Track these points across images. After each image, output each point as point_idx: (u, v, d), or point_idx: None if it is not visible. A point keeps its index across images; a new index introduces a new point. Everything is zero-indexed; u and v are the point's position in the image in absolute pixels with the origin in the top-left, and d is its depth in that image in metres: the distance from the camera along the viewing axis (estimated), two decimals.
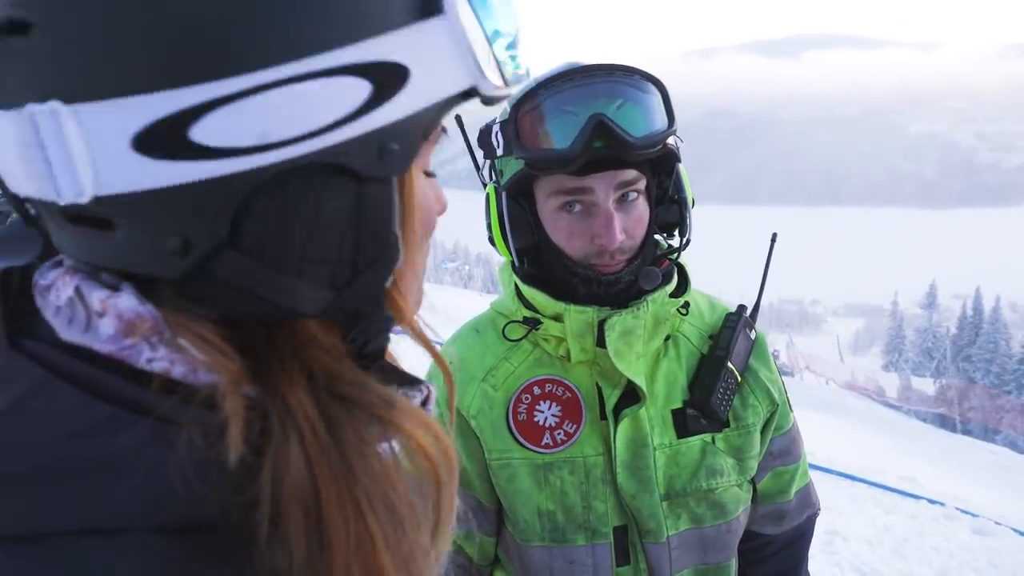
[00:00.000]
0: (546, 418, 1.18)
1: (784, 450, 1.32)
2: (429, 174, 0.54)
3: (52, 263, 0.49)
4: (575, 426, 1.18)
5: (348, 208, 0.45)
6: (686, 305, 1.23)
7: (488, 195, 1.20)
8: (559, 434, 1.18)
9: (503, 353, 1.23)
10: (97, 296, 0.45)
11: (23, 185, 0.43)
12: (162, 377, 0.44)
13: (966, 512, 8.55)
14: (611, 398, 1.18)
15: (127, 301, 0.44)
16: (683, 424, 1.20)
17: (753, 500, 1.31)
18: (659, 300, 1.16)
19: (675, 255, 1.22)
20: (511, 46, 0.50)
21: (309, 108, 0.41)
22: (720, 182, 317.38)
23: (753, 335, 1.26)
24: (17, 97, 0.41)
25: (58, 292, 0.46)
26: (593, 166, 1.06)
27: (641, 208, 1.12)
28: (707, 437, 1.21)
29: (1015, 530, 8.60)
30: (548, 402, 1.19)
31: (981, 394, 38.76)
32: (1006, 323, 53.79)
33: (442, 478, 0.50)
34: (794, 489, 1.34)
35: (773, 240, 1.38)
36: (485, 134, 1.16)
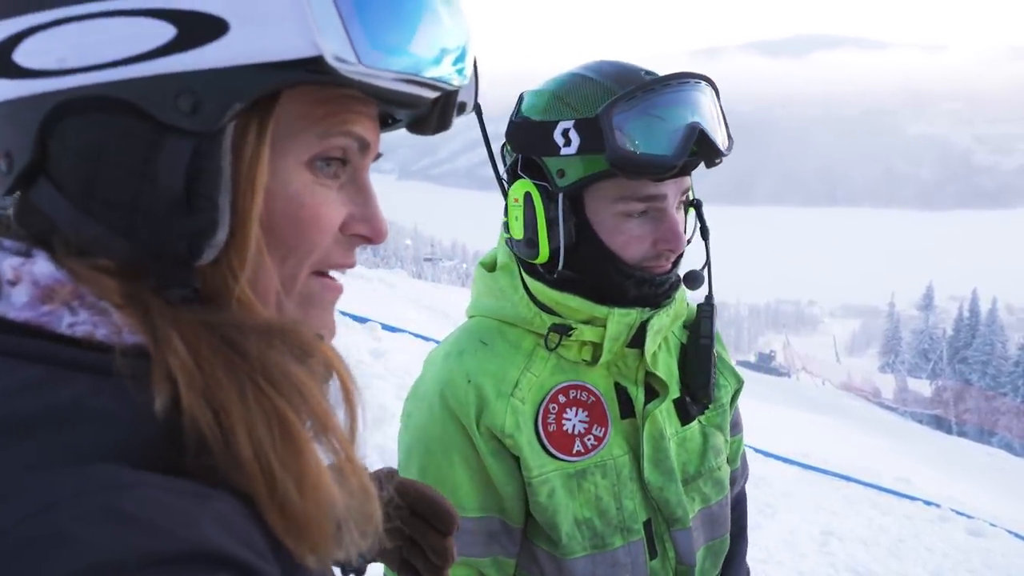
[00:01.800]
0: (574, 425, 1.16)
1: (735, 420, 1.41)
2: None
3: None
4: (603, 429, 1.17)
5: (141, 153, 0.45)
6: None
7: (531, 194, 1.12)
8: (589, 440, 1.17)
9: (523, 363, 1.18)
10: (8, 264, 0.44)
11: None
12: (87, 340, 0.44)
13: (961, 513, 8.57)
14: (639, 396, 1.21)
15: (43, 267, 0.44)
16: (684, 412, 1.25)
17: None
18: (680, 298, 1.23)
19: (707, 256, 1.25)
20: (368, 19, 0.46)
21: (105, 41, 0.43)
22: (717, 182, 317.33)
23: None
24: None
25: None
26: (682, 170, 1.09)
27: (683, 214, 1.16)
28: (701, 420, 1.28)
29: (1010, 532, 8.62)
30: (575, 409, 1.17)
31: (977, 396, 38.86)
32: (1002, 325, 53.92)
33: (347, 377, 0.51)
34: (739, 455, 1.45)
35: (706, 234, 1.34)
36: (537, 130, 1.11)
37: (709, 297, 1.27)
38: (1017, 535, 8.67)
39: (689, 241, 1.18)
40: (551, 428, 1.16)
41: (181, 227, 0.47)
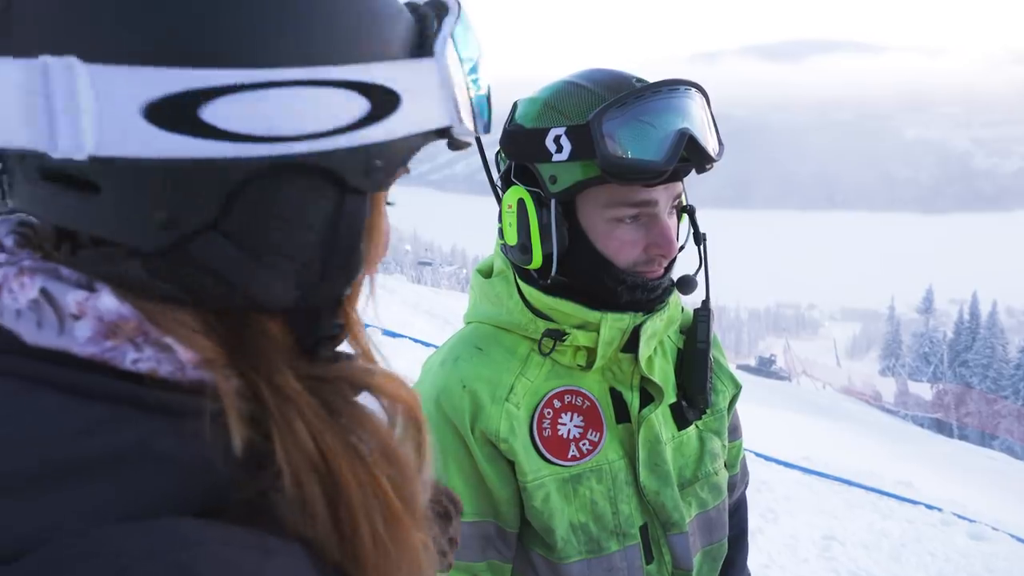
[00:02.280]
0: (569, 430, 1.17)
1: (735, 425, 1.41)
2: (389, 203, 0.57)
3: None
4: (599, 434, 1.18)
5: (328, 213, 0.48)
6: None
7: (523, 200, 1.13)
8: (584, 444, 1.17)
9: (518, 369, 1.18)
10: (73, 297, 0.44)
11: (11, 133, 0.42)
12: (151, 376, 0.44)
13: (963, 517, 8.55)
14: (634, 401, 1.21)
15: (107, 302, 0.44)
16: (680, 416, 1.25)
17: None
18: (674, 302, 1.23)
19: (701, 263, 1.25)
20: (482, 100, 0.55)
21: (315, 111, 0.45)
22: (716, 186, 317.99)
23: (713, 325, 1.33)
24: (29, 47, 0.41)
25: (14, 294, 0.45)
26: (673, 176, 1.10)
27: (676, 223, 1.18)
28: (698, 424, 1.28)
29: (1012, 535, 8.59)
30: (570, 414, 1.17)
31: (978, 399, 38.82)
32: (1003, 328, 53.91)
33: (420, 418, 0.55)
34: (739, 460, 1.45)
35: (703, 240, 1.33)
36: (530, 137, 1.12)
37: (706, 302, 1.28)
38: (1020, 539, 8.64)
39: (682, 247, 1.20)
40: (546, 433, 1.16)
41: (342, 275, 0.51)
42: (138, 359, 0.44)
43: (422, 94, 0.49)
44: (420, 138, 0.51)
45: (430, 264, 66.28)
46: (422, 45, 0.50)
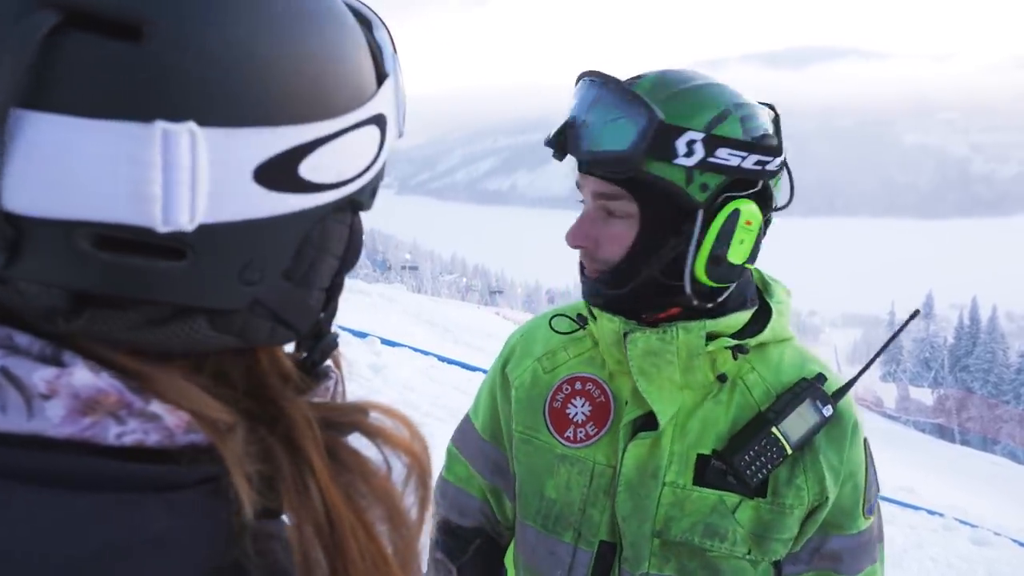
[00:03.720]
0: (576, 413, 1.20)
1: (837, 555, 1.16)
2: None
3: None
4: (597, 430, 1.18)
5: (345, 237, 0.50)
6: (742, 350, 1.11)
7: None
8: (581, 432, 1.19)
9: (565, 342, 1.25)
10: (40, 376, 0.40)
11: (106, 208, 0.38)
12: (137, 449, 0.42)
13: (965, 523, 8.54)
14: (629, 414, 1.15)
15: (82, 377, 0.40)
16: (704, 472, 1.12)
17: None
18: (693, 331, 1.08)
19: (688, 303, 1.10)
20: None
21: (361, 151, 0.47)
22: None
23: (828, 412, 1.11)
24: (130, 109, 0.37)
25: None
26: (581, 165, 1.08)
27: (621, 229, 1.07)
28: (730, 496, 1.11)
29: (1015, 540, 8.58)
30: (583, 399, 1.20)
31: (979, 404, 38.79)
32: (1003, 333, 53.96)
33: (427, 469, 0.52)
34: None
35: (913, 315, 1.28)
36: None
37: (820, 377, 1.14)
38: (1022, 544, 8.63)
39: (633, 260, 1.08)
40: (556, 404, 1.22)
41: (342, 287, 0.53)
42: (122, 432, 0.41)
43: (392, 112, 0.51)
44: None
45: (415, 268, 66.31)
46: (383, 68, 0.51)
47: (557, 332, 1.26)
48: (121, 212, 0.38)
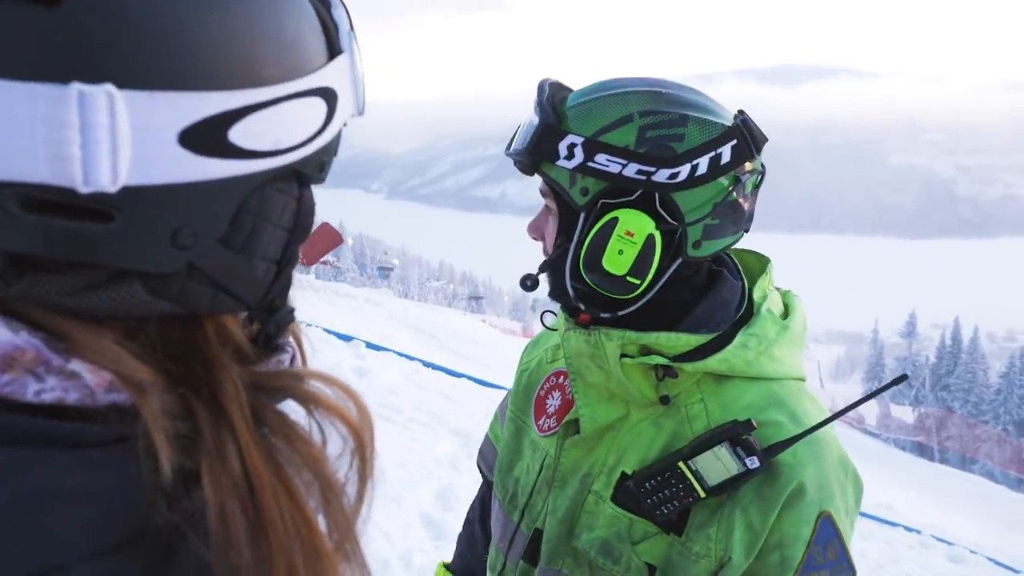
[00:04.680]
0: (551, 405, 1.26)
1: None
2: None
3: None
4: (556, 424, 1.22)
5: (293, 209, 0.51)
6: (670, 371, 1.05)
7: None
8: (547, 423, 1.24)
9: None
10: None
11: (26, 169, 0.39)
12: (57, 406, 0.42)
13: (942, 540, 8.60)
14: (573, 413, 1.15)
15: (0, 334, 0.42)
16: (619, 491, 1.09)
17: None
18: (613, 338, 1.05)
19: (613, 304, 1.08)
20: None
21: (304, 120, 0.48)
22: None
23: (753, 464, 0.98)
24: (46, 71, 0.38)
25: None
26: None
27: (549, 225, 1.12)
28: (644, 524, 1.06)
29: (990, 559, 8.66)
30: (558, 393, 1.26)
31: (959, 423, 39.10)
32: (984, 353, 54.37)
33: (365, 439, 0.51)
34: None
35: (897, 381, 1.12)
36: None
37: (748, 425, 0.98)
38: (997, 562, 8.70)
39: (553, 255, 1.10)
40: (542, 393, 1.29)
41: (295, 261, 0.53)
42: (41, 390, 0.42)
43: (346, 88, 0.51)
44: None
45: (392, 268, 65.65)
46: (337, 43, 0.52)
47: (547, 328, 1.33)
48: (42, 173, 0.38)
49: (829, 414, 1.04)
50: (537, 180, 1.10)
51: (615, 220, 1.02)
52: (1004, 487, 23.82)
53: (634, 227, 1.01)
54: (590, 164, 1.01)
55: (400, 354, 8.62)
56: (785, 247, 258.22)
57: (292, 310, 0.55)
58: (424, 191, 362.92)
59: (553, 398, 1.26)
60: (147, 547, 0.42)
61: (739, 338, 1.05)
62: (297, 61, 0.47)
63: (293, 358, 0.55)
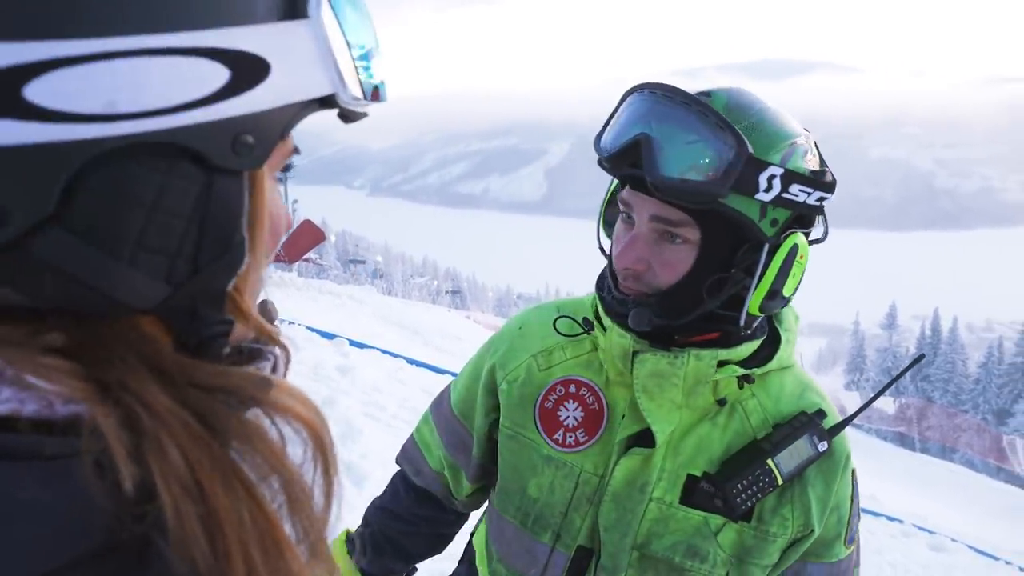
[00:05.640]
0: (568, 417, 1.18)
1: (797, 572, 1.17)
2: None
3: None
4: (588, 438, 1.16)
5: (194, 198, 0.44)
6: (748, 379, 1.12)
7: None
8: (571, 437, 1.17)
9: (565, 341, 1.22)
10: None
11: None
12: (13, 419, 0.40)
13: (924, 529, 8.71)
14: (625, 428, 1.14)
15: None
16: (692, 492, 1.11)
17: None
18: (704, 359, 1.06)
19: (722, 330, 1.09)
20: (365, 57, 0.51)
21: (162, 83, 0.40)
22: None
23: (823, 447, 1.10)
24: None
25: None
26: (636, 183, 1.03)
27: (680, 256, 1.03)
28: (714, 518, 1.11)
29: (971, 547, 8.77)
30: (575, 403, 1.18)
31: (939, 413, 39.53)
32: (963, 344, 55.06)
33: (326, 441, 0.50)
34: None
35: (916, 360, 1.25)
36: None
37: (820, 413, 1.12)
38: (977, 550, 8.82)
39: (687, 288, 1.04)
40: (548, 405, 1.19)
41: (220, 264, 0.46)
42: None
43: (297, 60, 0.45)
44: (299, 108, 0.47)
45: (363, 262, 64.90)
46: (294, 6, 0.46)
47: (561, 334, 1.22)
48: None
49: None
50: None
51: (796, 247, 1.02)
52: (984, 475, 24.15)
53: (805, 251, 1.04)
54: (784, 195, 0.98)
55: (384, 351, 8.58)
56: None
57: (224, 321, 0.49)
58: (407, 187, 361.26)
59: (568, 410, 1.18)
60: (113, 564, 0.40)
61: (782, 335, 1.16)
62: (175, 11, 0.40)
63: (275, 366, 0.52)
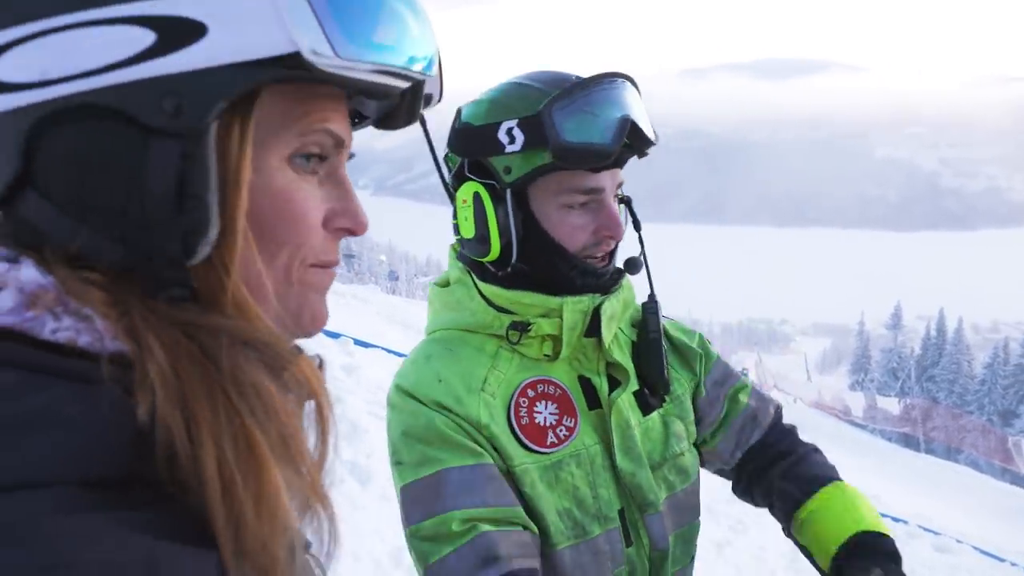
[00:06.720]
0: (545, 418, 1.21)
1: (725, 374, 1.44)
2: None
3: None
4: (573, 420, 1.22)
5: (131, 157, 0.46)
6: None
7: (479, 193, 1.17)
8: (561, 431, 1.21)
9: (488, 363, 1.22)
10: None
11: None
12: (69, 346, 0.44)
13: (928, 530, 8.68)
14: (603, 385, 1.26)
15: (29, 273, 0.44)
16: (644, 403, 1.30)
17: (711, 456, 1.43)
18: (627, 287, 1.30)
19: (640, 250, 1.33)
20: (345, 10, 0.48)
21: (86, 50, 0.44)
22: (692, 201, 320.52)
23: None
24: None
25: None
26: (619, 160, 1.19)
27: (617, 207, 1.23)
28: (659, 413, 1.32)
29: (976, 548, 8.74)
30: (544, 402, 1.22)
31: (944, 414, 39.42)
32: (968, 344, 54.87)
33: (324, 401, 0.51)
34: (746, 396, 1.44)
35: (638, 227, 1.38)
36: (481, 132, 1.17)
37: (652, 295, 1.34)
38: (982, 551, 8.79)
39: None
40: (523, 421, 1.19)
41: (172, 228, 0.47)
42: (57, 329, 0.44)
43: (239, 19, 0.45)
44: (251, 69, 0.46)
45: (353, 256, 64.49)
46: None
47: (512, 343, 1.21)
48: None
49: None
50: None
51: None
52: (989, 476, 24.06)
53: None
54: None
55: (388, 350, 8.59)
56: (771, 241, 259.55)
57: (183, 287, 0.49)
58: (411, 187, 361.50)
59: (541, 412, 1.20)
60: (135, 495, 0.42)
61: None
62: None
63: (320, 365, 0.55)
